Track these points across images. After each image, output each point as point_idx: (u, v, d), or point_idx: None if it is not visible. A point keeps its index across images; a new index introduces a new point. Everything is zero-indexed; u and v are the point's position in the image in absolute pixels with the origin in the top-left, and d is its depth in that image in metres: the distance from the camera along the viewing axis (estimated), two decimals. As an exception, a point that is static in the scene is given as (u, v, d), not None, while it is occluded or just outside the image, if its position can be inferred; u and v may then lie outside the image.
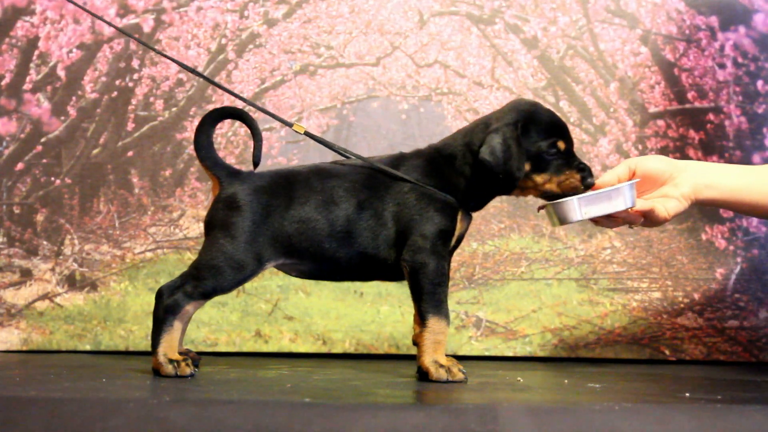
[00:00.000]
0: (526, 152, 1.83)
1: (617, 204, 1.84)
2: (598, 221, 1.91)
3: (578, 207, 1.83)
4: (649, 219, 1.92)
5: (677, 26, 2.47)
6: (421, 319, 1.83)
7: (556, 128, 1.87)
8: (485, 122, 1.89)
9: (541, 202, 1.90)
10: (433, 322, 1.81)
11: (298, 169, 1.91)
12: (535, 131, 1.85)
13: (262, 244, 1.83)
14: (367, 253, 1.85)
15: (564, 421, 1.43)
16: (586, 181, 1.85)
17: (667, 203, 1.92)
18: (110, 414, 1.42)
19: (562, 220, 1.84)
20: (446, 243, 1.85)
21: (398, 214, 1.85)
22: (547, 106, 2.44)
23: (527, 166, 1.84)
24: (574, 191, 1.85)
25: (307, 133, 1.92)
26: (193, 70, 1.95)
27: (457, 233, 1.87)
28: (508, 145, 1.82)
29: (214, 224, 1.85)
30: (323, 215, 1.85)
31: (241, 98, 1.97)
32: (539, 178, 1.85)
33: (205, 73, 2.46)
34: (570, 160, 1.86)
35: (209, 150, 1.88)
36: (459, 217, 1.87)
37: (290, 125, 1.93)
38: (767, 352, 2.41)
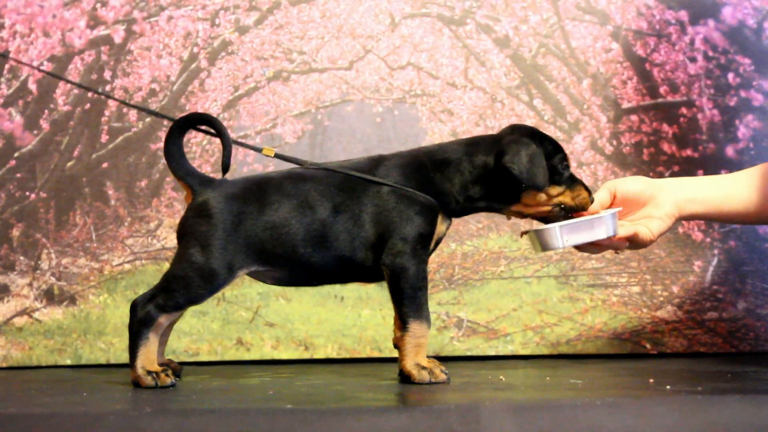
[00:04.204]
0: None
1: (599, 233, 1.86)
2: (581, 248, 1.93)
3: (560, 235, 1.85)
4: (633, 243, 1.94)
5: (647, 21, 2.48)
6: (401, 323, 1.82)
7: (560, 147, 1.90)
8: (492, 138, 1.89)
9: (524, 228, 1.92)
10: (414, 326, 1.81)
11: (271, 175, 1.90)
12: (548, 145, 1.87)
13: (233, 252, 1.81)
14: (343, 256, 1.84)
15: (546, 418, 1.43)
16: (591, 197, 1.90)
17: (650, 224, 1.94)
18: (92, 428, 1.42)
19: (544, 247, 1.86)
20: (426, 246, 1.85)
21: (377, 216, 1.84)
22: (521, 105, 2.47)
23: None
24: (584, 206, 1.88)
25: (277, 155, 1.91)
26: (131, 105, 1.94)
27: (436, 236, 1.87)
28: (533, 153, 1.83)
29: (184, 233, 1.83)
30: (297, 220, 1.83)
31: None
32: (553, 191, 1.86)
33: (178, 83, 2.45)
34: (575, 178, 1.89)
35: (180, 159, 1.86)
36: (439, 220, 1.87)
37: (259, 150, 1.92)
38: (746, 342, 2.42)
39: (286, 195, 1.84)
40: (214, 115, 2.14)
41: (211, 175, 1.92)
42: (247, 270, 1.84)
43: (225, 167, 1.85)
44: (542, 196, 1.86)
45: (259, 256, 1.83)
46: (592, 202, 1.89)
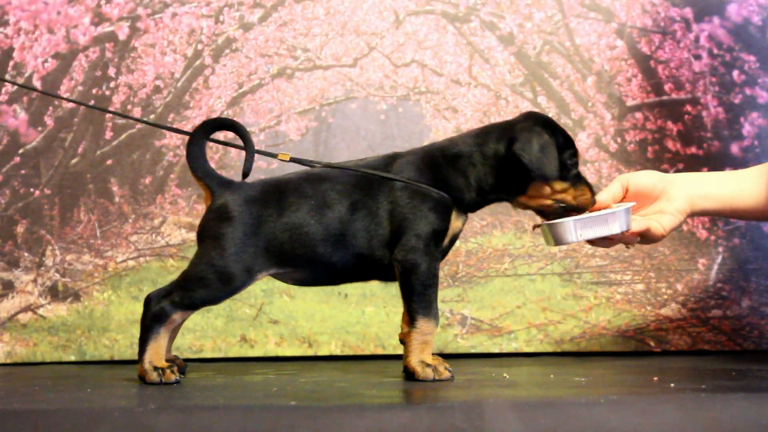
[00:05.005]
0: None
1: (613, 228, 1.86)
2: (593, 242, 1.93)
3: (574, 229, 1.84)
4: (645, 238, 1.93)
5: (652, 19, 2.48)
6: (410, 319, 1.82)
7: (572, 142, 1.88)
8: (502, 127, 1.88)
9: (537, 220, 1.91)
10: (422, 323, 1.81)
11: (289, 176, 1.90)
12: (560, 138, 1.86)
13: (252, 255, 1.81)
14: (362, 254, 1.83)
15: (550, 416, 1.43)
16: (593, 198, 1.88)
17: (662, 219, 1.93)
18: (96, 424, 1.42)
19: (558, 241, 1.86)
20: (439, 243, 1.84)
21: (392, 213, 1.83)
22: (525, 103, 2.47)
23: None
24: (585, 207, 1.87)
25: (293, 159, 1.91)
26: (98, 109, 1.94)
27: (451, 232, 1.86)
28: (544, 142, 1.82)
29: (204, 235, 1.84)
30: (316, 219, 1.83)
31: (173, 130, 1.95)
32: (558, 186, 1.85)
33: (182, 80, 2.45)
34: (581, 177, 1.88)
35: (201, 160, 1.86)
36: (453, 216, 1.86)
37: (274, 156, 1.91)
38: (751, 340, 2.42)
39: (305, 196, 1.84)
40: (218, 113, 2.15)
41: (217, 172, 1.92)
42: (266, 273, 1.84)
43: (246, 173, 1.85)
44: (547, 189, 1.85)
45: (279, 259, 1.83)
46: (593, 203, 1.88)
